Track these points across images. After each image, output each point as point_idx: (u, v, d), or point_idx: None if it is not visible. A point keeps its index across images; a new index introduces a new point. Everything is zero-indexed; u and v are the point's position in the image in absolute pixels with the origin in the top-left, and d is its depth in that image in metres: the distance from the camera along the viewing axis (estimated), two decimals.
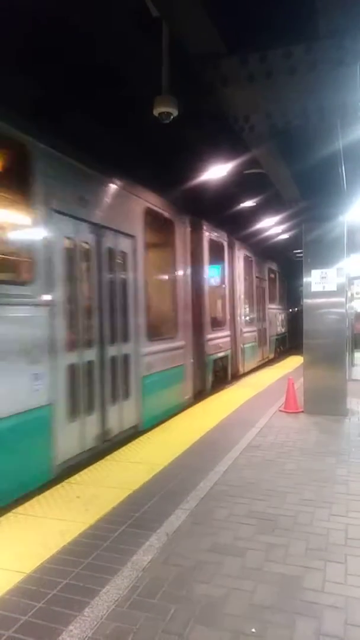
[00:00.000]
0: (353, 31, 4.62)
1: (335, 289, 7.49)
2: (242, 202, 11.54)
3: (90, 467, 5.04)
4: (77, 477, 4.74)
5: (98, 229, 5.81)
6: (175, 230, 8.40)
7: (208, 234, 10.08)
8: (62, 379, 5.03)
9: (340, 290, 7.49)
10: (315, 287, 7.60)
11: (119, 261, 6.38)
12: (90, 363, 5.57)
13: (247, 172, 9.47)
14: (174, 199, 8.29)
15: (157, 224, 7.69)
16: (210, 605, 2.67)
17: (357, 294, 15.83)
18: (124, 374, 6.35)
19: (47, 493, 4.34)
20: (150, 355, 7.08)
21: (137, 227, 6.86)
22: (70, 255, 5.31)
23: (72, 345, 5.26)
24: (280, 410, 7.72)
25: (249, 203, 11.72)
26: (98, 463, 5.18)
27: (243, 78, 5.22)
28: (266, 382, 11.13)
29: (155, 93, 5.25)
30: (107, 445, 5.80)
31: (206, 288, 9.96)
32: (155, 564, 3.11)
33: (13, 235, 4.74)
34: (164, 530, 3.57)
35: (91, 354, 5.61)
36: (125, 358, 6.42)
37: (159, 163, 7.83)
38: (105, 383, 5.87)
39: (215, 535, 3.50)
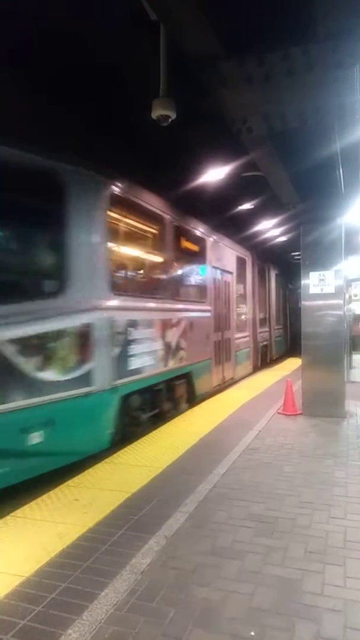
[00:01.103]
0: (351, 34, 4.64)
1: (333, 291, 7.50)
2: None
3: (89, 470, 5.03)
4: (75, 480, 4.73)
5: (221, 271, 11.04)
6: (246, 265, 13.77)
7: (259, 264, 15.40)
8: (212, 346, 10.12)
9: (339, 293, 7.50)
10: (313, 290, 7.61)
11: (226, 287, 11.52)
12: (220, 340, 10.75)
13: (245, 174, 9.49)
14: (243, 243, 13.30)
15: (239, 262, 12.88)
16: (209, 609, 2.66)
17: (355, 296, 16.03)
18: (229, 348, 11.64)
19: (45, 496, 4.33)
20: (237, 339, 12.50)
21: (233, 266, 12.14)
22: (214, 286, 10.38)
23: (214, 331, 10.30)
24: (279, 413, 7.72)
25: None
26: (96, 466, 5.17)
27: (241, 80, 5.24)
28: (264, 384, 11.14)
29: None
30: (223, 386, 10.83)
31: (257, 299, 15.19)
32: (154, 567, 3.10)
33: (201, 279, 9.82)
34: (162, 533, 3.56)
35: (219, 336, 10.75)
36: (229, 340, 11.70)
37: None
38: (224, 351, 11.15)
39: (214, 538, 3.50)
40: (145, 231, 7.48)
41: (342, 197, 8.29)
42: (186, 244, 8.98)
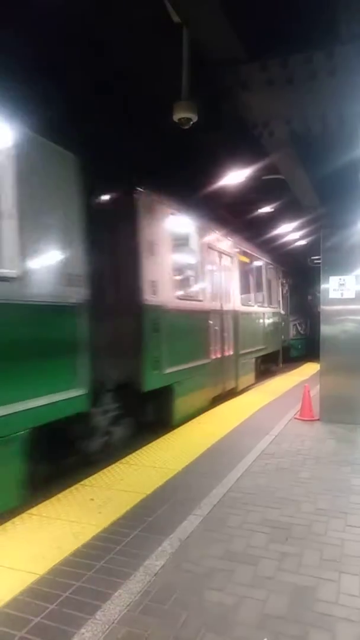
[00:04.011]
0: None
1: (353, 296, 7.42)
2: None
3: (104, 470, 5.05)
4: (91, 480, 4.76)
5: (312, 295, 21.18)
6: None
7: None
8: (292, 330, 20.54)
9: (359, 298, 7.41)
10: (333, 294, 7.53)
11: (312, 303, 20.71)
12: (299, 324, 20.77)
13: (265, 177, 9.47)
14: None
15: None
16: (222, 613, 2.65)
17: None
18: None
19: (60, 495, 4.36)
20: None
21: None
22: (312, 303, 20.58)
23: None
24: (296, 418, 7.65)
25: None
26: (112, 466, 5.19)
27: (263, 83, 5.22)
28: (282, 389, 11.06)
29: None
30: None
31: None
32: (167, 570, 3.10)
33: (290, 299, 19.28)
34: (176, 535, 3.56)
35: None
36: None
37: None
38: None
39: (228, 542, 3.48)
40: None
41: None
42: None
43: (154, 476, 4.86)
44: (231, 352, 10.07)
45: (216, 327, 9.17)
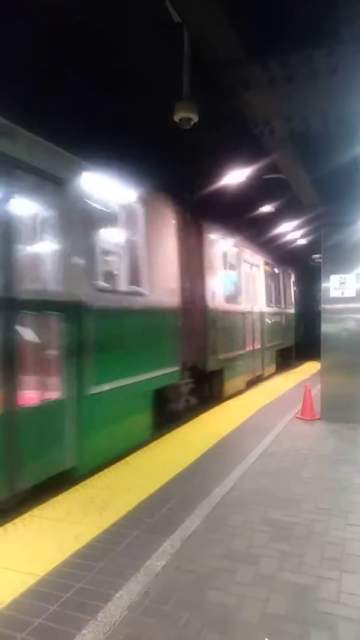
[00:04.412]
0: None
1: (354, 294, 7.41)
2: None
3: (105, 471, 5.05)
4: (91, 480, 4.76)
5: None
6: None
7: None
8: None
9: (359, 296, 7.40)
10: (333, 293, 7.52)
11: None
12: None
13: (265, 176, 9.47)
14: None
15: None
16: (224, 613, 2.65)
17: None
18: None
19: (61, 496, 4.36)
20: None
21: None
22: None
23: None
24: (297, 417, 7.65)
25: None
26: (113, 467, 5.19)
27: (264, 82, 5.22)
28: (282, 388, 11.05)
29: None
30: None
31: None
32: (168, 570, 3.10)
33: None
34: (178, 536, 3.55)
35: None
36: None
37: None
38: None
39: (230, 542, 3.48)
40: None
41: None
42: None
43: (155, 476, 4.85)
44: (259, 345, 12.11)
45: (249, 325, 11.14)
